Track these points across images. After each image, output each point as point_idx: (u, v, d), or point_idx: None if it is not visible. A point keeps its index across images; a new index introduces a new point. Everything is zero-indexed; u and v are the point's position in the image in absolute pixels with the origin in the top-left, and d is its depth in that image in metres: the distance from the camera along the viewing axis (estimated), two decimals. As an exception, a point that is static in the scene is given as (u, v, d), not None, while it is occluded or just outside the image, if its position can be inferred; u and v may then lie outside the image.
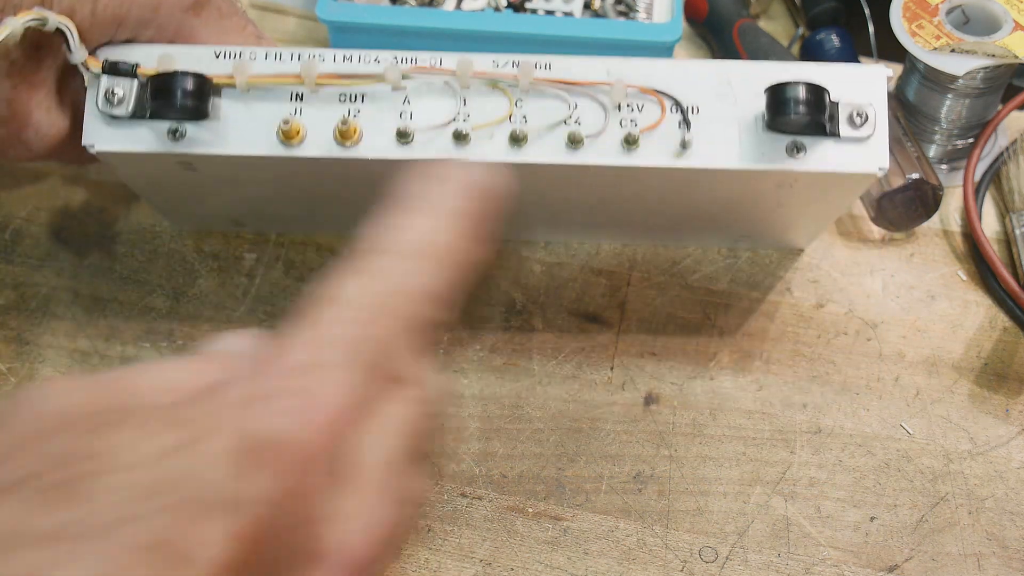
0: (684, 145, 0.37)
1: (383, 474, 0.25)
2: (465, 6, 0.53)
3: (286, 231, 0.50)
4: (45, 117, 0.38)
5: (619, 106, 0.37)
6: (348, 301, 0.27)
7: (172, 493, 0.22)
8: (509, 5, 0.53)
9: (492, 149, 0.37)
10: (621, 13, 0.53)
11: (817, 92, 0.36)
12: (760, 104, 0.37)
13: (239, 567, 0.22)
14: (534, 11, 0.53)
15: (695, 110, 0.37)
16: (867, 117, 0.37)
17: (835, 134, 0.37)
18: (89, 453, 0.22)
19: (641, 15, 0.52)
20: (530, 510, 0.43)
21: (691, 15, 0.58)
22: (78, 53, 0.36)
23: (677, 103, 0.37)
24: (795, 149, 0.37)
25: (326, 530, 0.24)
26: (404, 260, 0.27)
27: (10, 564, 0.20)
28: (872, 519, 0.43)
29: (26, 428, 0.23)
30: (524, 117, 0.38)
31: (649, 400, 0.46)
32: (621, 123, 0.37)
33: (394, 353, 0.26)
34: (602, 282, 0.49)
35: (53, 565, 0.20)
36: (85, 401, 0.24)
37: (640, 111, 0.38)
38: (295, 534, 0.24)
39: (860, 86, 0.37)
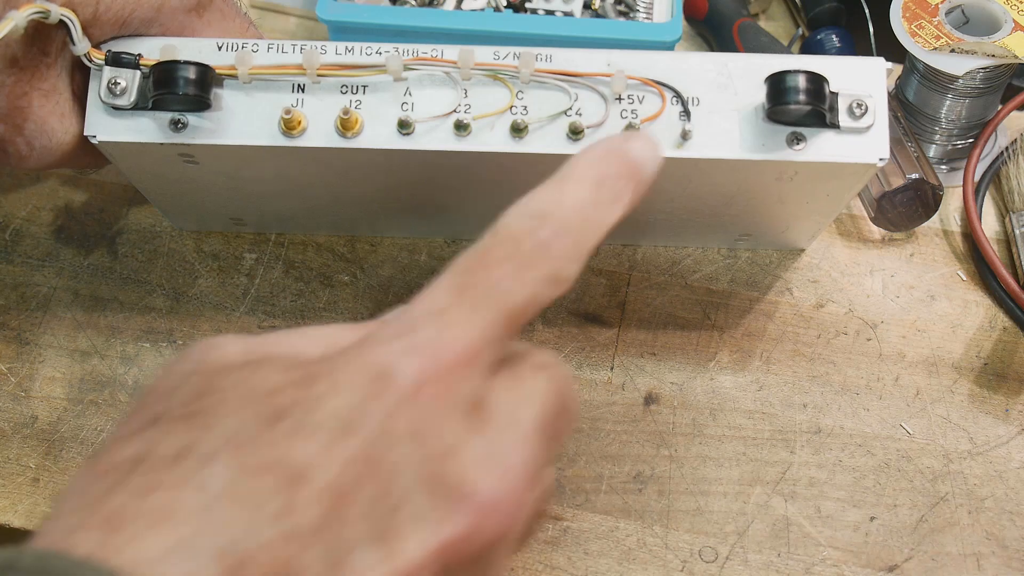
0: (684, 136, 0.37)
1: (518, 432, 0.26)
2: (465, 6, 0.53)
3: (286, 231, 0.50)
4: (58, 124, 0.38)
5: (620, 97, 0.38)
6: (489, 255, 0.27)
7: (287, 419, 0.24)
8: (509, 5, 0.53)
9: (493, 139, 0.38)
10: (621, 13, 0.53)
11: (817, 81, 0.36)
12: (760, 95, 0.37)
13: (351, 488, 0.23)
14: (534, 11, 0.53)
15: (695, 101, 0.38)
16: (867, 108, 0.37)
17: (835, 125, 0.37)
18: (214, 389, 0.25)
19: (641, 15, 0.52)
20: (530, 510, 0.43)
21: (691, 14, 0.58)
22: (81, 44, 0.36)
23: (678, 94, 0.38)
24: (795, 139, 0.37)
25: (454, 465, 0.24)
26: (546, 223, 0.27)
27: (142, 478, 0.23)
28: (872, 519, 0.43)
29: (185, 370, 0.26)
30: (525, 108, 0.38)
31: (649, 400, 0.46)
32: (622, 114, 0.38)
33: (530, 312, 0.27)
34: (602, 282, 0.49)
35: (176, 480, 0.23)
36: (241, 351, 0.27)
37: (641, 102, 0.38)
38: (413, 461, 0.24)
39: (859, 77, 0.37)
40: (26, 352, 0.47)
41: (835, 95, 0.37)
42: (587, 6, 0.53)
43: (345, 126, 0.37)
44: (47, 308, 0.48)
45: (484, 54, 0.38)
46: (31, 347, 0.47)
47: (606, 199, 0.28)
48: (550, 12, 0.53)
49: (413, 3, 0.53)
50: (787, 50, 0.55)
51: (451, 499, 0.24)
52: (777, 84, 0.36)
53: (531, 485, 0.26)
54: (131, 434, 0.25)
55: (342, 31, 0.50)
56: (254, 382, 0.25)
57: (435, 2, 0.53)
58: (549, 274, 0.27)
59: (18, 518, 0.43)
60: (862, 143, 0.37)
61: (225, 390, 0.25)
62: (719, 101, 0.38)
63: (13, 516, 0.43)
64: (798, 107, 0.36)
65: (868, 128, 0.37)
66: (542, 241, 0.27)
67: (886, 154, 0.37)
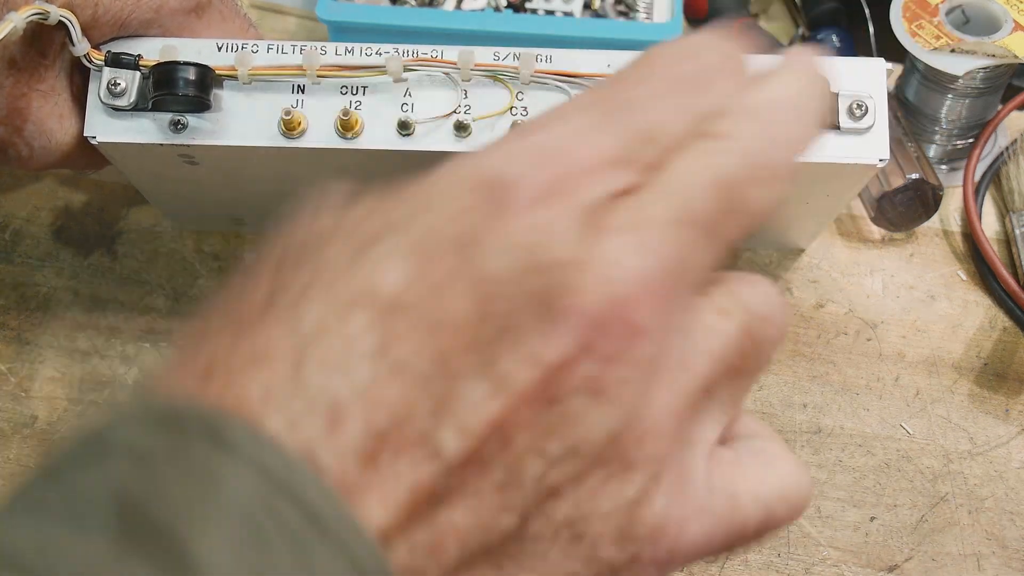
0: None
1: (642, 232, 0.23)
2: (465, 6, 0.53)
3: (286, 231, 0.50)
4: (58, 125, 0.38)
5: None
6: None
7: (378, 244, 0.23)
8: (509, 5, 0.53)
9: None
10: (621, 13, 0.53)
11: None
12: None
13: (447, 314, 0.22)
14: (534, 11, 0.53)
15: None
16: (867, 108, 0.37)
17: (835, 126, 0.37)
18: (307, 235, 0.24)
19: (641, 15, 0.52)
20: (530, 510, 0.43)
21: (691, 14, 0.58)
22: (80, 45, 0.36)
23: None
24: None
25: (562, 275, 0.22)
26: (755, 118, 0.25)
27: (235, 325, 0.22)
28: (872, 519, 0.43)
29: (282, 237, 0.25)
30: (525, 109, 0.38)
31: (649, 400, 0.46)
32: None
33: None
34: (602, 282, 0.49)
35: (270, 321, 0.22)
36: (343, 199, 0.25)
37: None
38: (517, 274, 0.22)
39: (859, 78, 0.37)
40: (26, 352, 0.47)
41: (835, 96, 0.37)
42: (587, 6, 0.53)
43: (345, 127, 0.37)
44: (47, 308, 0.48)
45: (484, 55, 0.38)
46: (31, 347, 0.47)
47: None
48: (550, 12, 0.53)
49: (413, 3, 0.53)
50: (787, 50, 0.55)
51: (552, 313, 0.22)
52: None
53: (668, 291, 0.23)
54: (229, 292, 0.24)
55: (342, 31, 0.50)
56: (348, 215, 0.24)
57: (435, 2, 0.53)
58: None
59: (18, 518, 0.43)
60: (862, 144, 0.37)
61: (317, 232, 0.24)
62: None
63: (13, 516, 0.43)
64: None
65: (868, 129, 0.37)
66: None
67: (886, 155, 0.37)
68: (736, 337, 0.26)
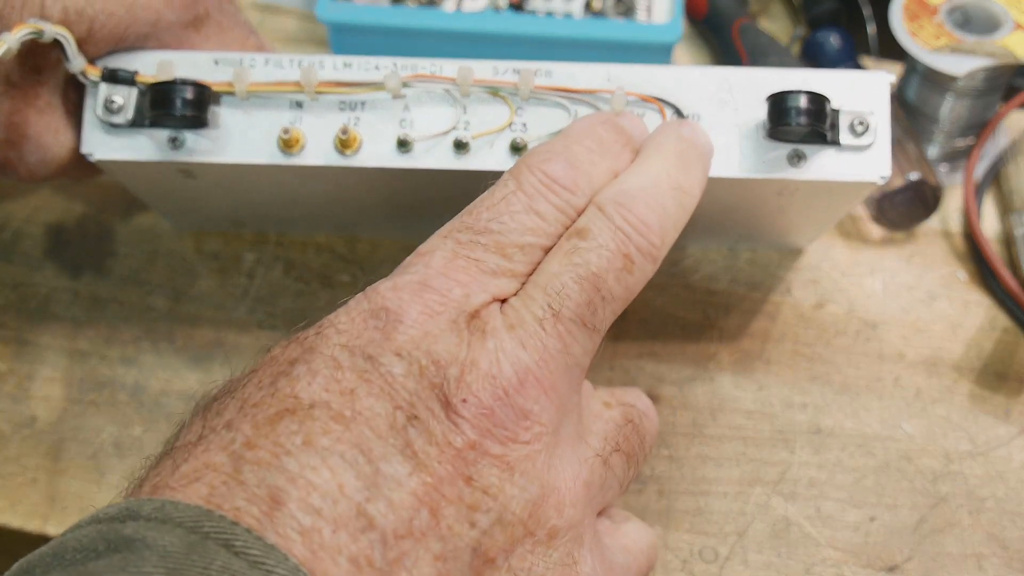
0: None
1: (505, 340, 0.28)
2: (465, 7, 0.53)
3: (286, 231, 0.50)
4: (53, 139, 0.38)
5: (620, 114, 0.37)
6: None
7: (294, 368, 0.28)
8: (510, 6, 0.53)
9: (493, 157, 0.37)
10: (621, 13, 0.53)
11: (818, 101, 0.36)
12: (761, 112, 0.37)
13: (392, 412, 0.26)
14: (534, 12, 0.53)
15: (696, 118, 0.37)
16: (868, 126, 0.36)
17: (836, 143, 0.37)
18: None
19: (641, 15, 0.52)
20: (530, 510, 0.43)
21: (691, 13, 0.58)
22: (76, 61, 0.36)
23: (678, 111, 0.37)
24: (796, 158, 0.37)
25: (451, 373, 0.27)
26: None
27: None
28: (872, 519, 0.43)
29: None
30: (524, 125, 0.37)
31: (649, 400, 0.46)
32: None
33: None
34: (602, 282, 0.49)
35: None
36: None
37: (641, 119, 0.37)
38: (414, 374, 0.27)
39: (862, 93, 0.37)
40: (26, 352, 0.47)
41: (836, 112, 0.36)
42: (587, 7, 0.53)
43: (344, 145, 0.37)
44: (46, 308, 0.48)
45: (483, 70, 0.37)
46: (31, 347, 0.47)
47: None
48: (550, 13, 0.53)
49: (413, 4, 0.53)
50: (787, 50, 0.55)
51: (450, 406, 0.26)
52: (778, 105, 0.36)
53: (549, 378, 0.27)
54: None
55: (342, 31, 0.51)
56: (269, 353, 0.29)
57: (435, 2, 0.53)
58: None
59: (18, 518, 0.43)
60: (863, 161, 0.37)
61: (236, 379, 0.29)
62: (719, 117, 0.37)
63: (12, 516, 0.43)
64: (799, 128, 0.36)
65: (869, 146, 0.37)
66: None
67: (887, 172, 0.37)
68: (620, 422, 0.32)
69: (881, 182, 0.37)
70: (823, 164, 0.37)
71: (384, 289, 0.28)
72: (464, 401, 0.26)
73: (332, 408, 0.25)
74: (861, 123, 0.36)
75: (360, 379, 0.26)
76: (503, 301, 0.29)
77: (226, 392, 0.28)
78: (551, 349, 0.28)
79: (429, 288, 0.28)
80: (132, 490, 0.26)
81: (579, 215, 0.30)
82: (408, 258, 0.30)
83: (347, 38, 0.51)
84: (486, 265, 0.29)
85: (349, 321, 0.28)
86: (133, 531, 0.23)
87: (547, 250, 0.30)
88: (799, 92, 0.35)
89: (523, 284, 0.29)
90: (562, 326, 0.28)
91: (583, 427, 0.30)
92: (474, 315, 0.28)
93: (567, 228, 0.30)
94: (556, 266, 0.29)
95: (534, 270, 0.29)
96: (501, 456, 0.26)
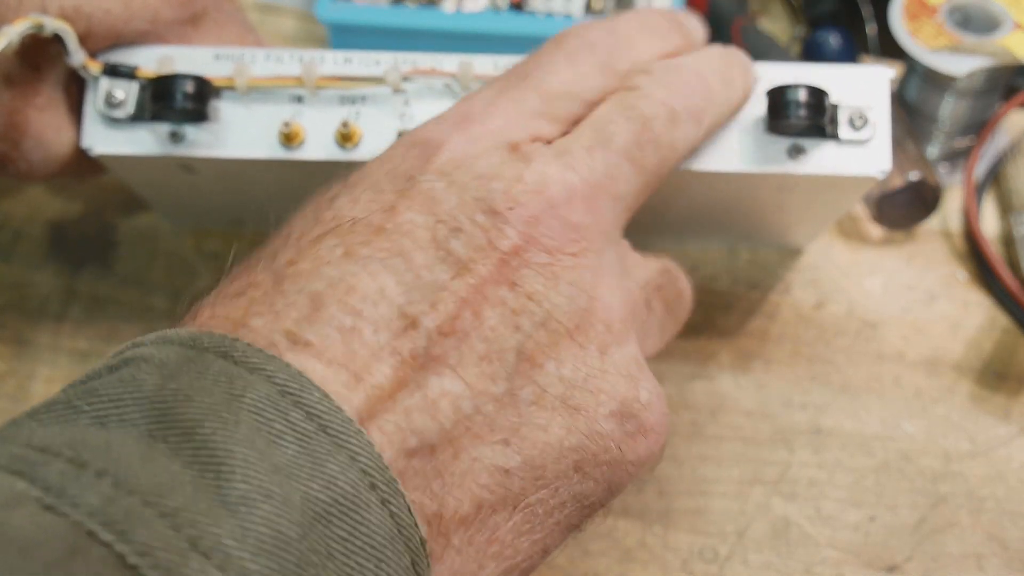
0: None
1: (559, 157, 0.28)
2: (465, 7, 0.53)
3: (286, 231, 0.50)
4: (54, 136, 0.38)
5: None
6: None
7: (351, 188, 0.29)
8: (510, 6, 0.53)
9: None
10: (621, 13, 0.53)
11: (817, 95, 0.36)
12: (761, 107, 0.37)
13: (434, 225, 0.26)
14: (534, 12, 0.53)
15: None
16: (867, 120, 0.36)
17: (835, 137, 0.37)
18: None
19: (641, 15, 0.52)
20: (530, 510, 0.43)
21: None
22: (76, 55, 0.36)
23: None
24: (795, 151, 0.37)
25: (499, 187, 0.27)
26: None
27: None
28: (872, 519, 0.43)
29: None
30: None
31: (649, 400, 0.45)
32: None
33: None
34: (602, 282, 0.49)
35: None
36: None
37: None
38: (467, 193, 0.27)
39: (861, 88, 0.37)
40: (25, 352, 0.47)
41: (835, 107, 0.37)
42: (588, 7, 0.53)
43: (345, 139, 0.37)
44: (46, 308, 0.48)
45: (484, 65, 0.37)
46: (30, 347, 0.47)
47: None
48: (550, 13, 0.53)
49: (413, 4, 0.53)
50: (786, 51, 0.55)
51: (497, 215, 0.26)
52: (777, 99, 0.36)
53: (596, 198, 0.27)
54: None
55: (342, 31, 0.50)
56: (316, 195, 0.30)
57: (435, 2, 0.53)
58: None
59: (18, 518, 0.43)
60: (863, 155, 0.37)
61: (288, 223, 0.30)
62: None
63: (13, 516, 0.43)
64: (798, 122, 0.36)
65: (869, 140, 0.37)
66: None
67: (887, 166, 0.37)
68: (660, 269, 0.33)
69: (881, 176, 0.37)
70: (823, 158, 0.37)
71: (425, 125, 0.29)
72: (510, 209, 0.26)
73: (373, 223, 0.26)
74: (860, 117, 0.36)
75: (400, 196, 0.27)
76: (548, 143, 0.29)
77: (276, 233, 0.29)
78: (598, 174, 0.28)
79: (471, 120, 0.28)
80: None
81: (622, 81, 0.31)
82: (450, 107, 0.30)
83: (347, 38, 0.51)
84: (527, 106, 0.29)
85: (390, 153, 0.29)
86: (133, 354, 0.25)
87: (590, 106, 0.30)
88: (798, 86, 0.36)
89: (564, 133, 0.29)
90: (611, 156, 0.28)
91: (625, 267, 0.30)
92: (516, 146, 0.28)
93: (608, 92, 0.30)
94: (603, 109, 0.29)
95: (575, 125, 0.30)
96: (547, 265, 0.26)
